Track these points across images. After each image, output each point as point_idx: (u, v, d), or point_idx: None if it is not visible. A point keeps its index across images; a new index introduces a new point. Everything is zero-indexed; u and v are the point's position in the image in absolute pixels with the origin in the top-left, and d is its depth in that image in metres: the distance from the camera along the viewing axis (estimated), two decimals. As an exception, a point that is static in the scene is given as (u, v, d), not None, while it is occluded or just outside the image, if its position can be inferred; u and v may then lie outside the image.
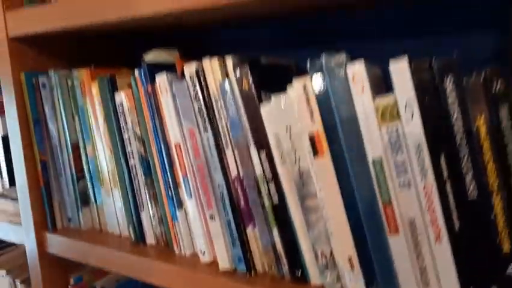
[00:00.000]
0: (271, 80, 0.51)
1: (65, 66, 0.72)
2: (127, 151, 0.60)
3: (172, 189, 0.56)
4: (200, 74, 0.50)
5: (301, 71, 0.62)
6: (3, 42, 0.63)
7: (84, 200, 0.68)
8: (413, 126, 0.38)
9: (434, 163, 0.38)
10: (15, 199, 0.77)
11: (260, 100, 0.47)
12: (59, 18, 0.56)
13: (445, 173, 0.38)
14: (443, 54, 0.41)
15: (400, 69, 0.37)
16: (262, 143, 0.48)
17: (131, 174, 0.61)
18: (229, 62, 0.48)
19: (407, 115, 0.38)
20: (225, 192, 0.52)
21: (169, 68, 0.57)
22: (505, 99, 0.35)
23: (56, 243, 0.68)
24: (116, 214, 0.65)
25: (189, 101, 0.52)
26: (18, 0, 0.63)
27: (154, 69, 0.56)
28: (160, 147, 0.56)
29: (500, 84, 0.35)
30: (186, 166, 0.54)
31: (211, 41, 0.81)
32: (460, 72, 0.36)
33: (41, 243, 0.70)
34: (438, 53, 0.58)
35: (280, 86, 0.49)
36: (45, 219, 0.70)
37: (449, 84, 0.36)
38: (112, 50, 0.79)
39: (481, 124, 0.36)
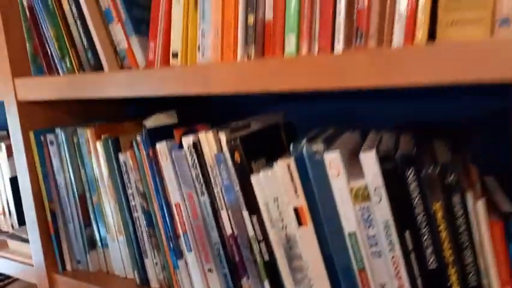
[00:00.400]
0: (261, 145, 0.57)
1: (72, 121, 0.77)
2: (130, 204, 0.66)
3: (173, 240, 0.63)
4: (197, 146, 0.56)
5: (289, 126, 0.68)
6: (12, 104, 0.69)
7: (91, 244, 0.74)
8: (381, 207, 0.44)
9: (400, 238, 0.44)
10: (25, 240, 0.83)
11: (251, 171, 0.53)
12: (66, 89, 0.62)
13: (410, 246, 0.44)
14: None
15: (369, 159, 0.43)
16: (253, 208, 0.54)
17: (135, 224, 0.67)
18: (223, 136, 0.54)
19: (376, 198, 0.44)
20: (221, 248, 0.58)
21: (168, 129, 0.63)
22: (457, 189, 0.41)
23: (66, 285, 0.74)
24: (122, 259, 0.71)
25: (187, 168, 0.57)
26: (26, 68, 0.68)
27: (154, 134, 0.61)
28: (162, 203, 0.62)
29: (453, 176, 0.41)
30: (186, 224, 0.60)
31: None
32: (421, 164, 0.42)
33: (52, 284, 0.76)
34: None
35: (270, 147, 0.55)
36: (56, 262, 0.76)
37: (410, 175, 0.42)
38: (115, 104, 0.85)
39: (438, 209, 0.42)
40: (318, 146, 0.46)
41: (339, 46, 0.48)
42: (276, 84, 0.45)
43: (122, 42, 0.61)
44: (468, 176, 0.46)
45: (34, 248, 0.76)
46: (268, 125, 0.64)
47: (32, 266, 0.78)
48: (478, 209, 0.41)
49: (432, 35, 0.45)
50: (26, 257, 0.81)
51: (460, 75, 0.38)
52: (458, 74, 0.38)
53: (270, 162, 0.58)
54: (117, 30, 0.61)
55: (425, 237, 0.43)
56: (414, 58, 0.40)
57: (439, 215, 0.42)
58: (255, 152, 0.56)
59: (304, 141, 0.48)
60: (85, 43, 0.63)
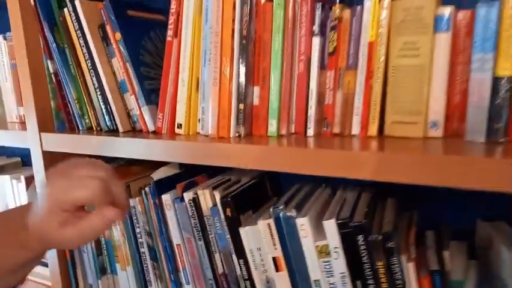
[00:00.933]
0: (249, 199, 0.70)
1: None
2: (138, 241, 0.79)
3: (173, 274, 0.75)
4: (196, 200, 0.69)
5: (273, 175, 0.81)
6: (38, 153, 0.81)
7: (102, 271, 0.86)
8: (339, 262, 0.57)
9: (353, 285, 0.57)
10: (45, 264, 0.95)
11: (239, 223, 0.66)
12: (85, 146, 0.74)
13: (360, 292, 0.57)
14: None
15: (330, 225, 0.56)
16: (241, 253, 0.66)
17: (141, 257, 0.79)
18: (217, 194, 0.67)
19: (335, 254, 0.57)
20: (214, 283, 0.70)
21: (172, 180, 0.75)
22: (395, 252, 0.54)
23: (80, 305, 0.86)
24: (129, 285, 0.83)
25: (187, 217, 0.70)
26: (50, 122, 0.80)
27: (160, 186, 0.74)
28: (165, 243, 0.74)
29: (391, 243, 0.54)
30: (185, 261, 0.72)
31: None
32: (369, 231, 0.55)
33: (67, 303, 0.88)
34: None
35: (257, 198, 0.67)
36: (71, 284, 0.88)
37: (360, 239, 0.55)
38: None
39: (380, 266, 0.55)
40: (292, 212, 0.59)
41: (310, 131, 0.61)
42: (262, 164, 0.57)
43: (135, 109, 0.73)
44: (407, 237, 0.59)
45: (52, 272, 0.88)
46: (256, 176, 0.77)
47: (50, 287, 0.90)
48: (409, 269, 0.54)
49: (382, 129, 0.58)
50: (46, 279, 0.93)
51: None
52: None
53: (256, 211, 0.70)
54: (131, 100, 0.73)
55: (372, 286, 0.56)
56: (365, 160, 0.52)
57: (381, 271, 0.55)
58: (244, 206, 0.68)
59: (282, 206, 0.61)
60: (102, 107, 0.75)
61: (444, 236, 0.66)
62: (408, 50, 0.54)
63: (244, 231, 0.65)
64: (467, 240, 0.68)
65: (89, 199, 0.44)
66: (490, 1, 0.49)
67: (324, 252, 0.58)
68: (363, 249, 0.56)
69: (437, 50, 0.53)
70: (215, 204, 0.67)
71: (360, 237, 0.56)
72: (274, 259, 0.63)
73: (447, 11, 0.52)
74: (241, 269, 0.67)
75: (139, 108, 0.72)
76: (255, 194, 0.74)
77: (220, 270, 0.70)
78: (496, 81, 0.49)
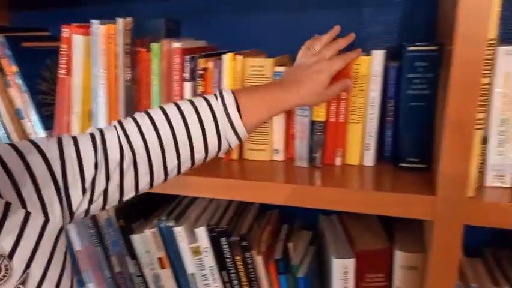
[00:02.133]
0: (140, 210, 0.83)
1: None
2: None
3: (76, 275, 0.86)
4: (92, 213, 0.80)
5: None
6: None
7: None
8: (208, 258, 0.74)
9: (220, 275, 0.74)
10: None
11: (131, 232, 0.79)
12: None
13: (226, 279, 0.74)
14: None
15: (201, 232, 0.72)
16: (133, 255, 0.80)
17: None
18: (111, 209, 0.79)
19: (205, 253, 0.73)
20: (112, 281, 0.83)
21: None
22: (248, 248, 0.72)
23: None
24: None
25: (87, 228, 0.81)
26: None
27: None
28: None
29: (246, 242, 0.72)
30: (86, 264, 0.84)
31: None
32: (229, 234, 0.72)
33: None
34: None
35: (148, 208, 0.81)
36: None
37: (223, 241, 0.72)
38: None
39: (238, 260, 0.73)
40: (171, 222, 0.74)
41: (187, 155, 0.75)
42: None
43: (33, 134, 0.81)
44: (261, 234, 0.78)
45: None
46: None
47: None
48: (258, 260, 0.72)
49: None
50: None
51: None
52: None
53: (148, 219, 0.84)
54: (28, 126, 0.81)
55: (233, 275, 0.74)
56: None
57: (239, 263, 0.73)
58: (136, 215, 0.81)
59: (164, 217, 0.75)
60: (1, 131, 0.82)
61: (296, 228, 0.86)
62: (256, 96, 0.70)
63: (134, 238, 0.78)
64: (313, 230, 0.88)
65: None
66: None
67: (197, 251, 0.74)
68: (226, 248, 0.73)
69: (276, 97, 0.70)
70: (109, 218, 0.80)
71: (223, 239, 0.72)
72: (159, 259, 0.77)
73: (282, 69, 0.69)
74: (134, 268, 0.80)
75: (36, 134, 0.81)
76: (146, 203, 0.87)
77: (116, 269, 0.82)
78: (313, 123, 0.68)
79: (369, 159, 0.68)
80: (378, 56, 0.65)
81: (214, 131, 0.54)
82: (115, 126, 0.54)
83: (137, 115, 0.54)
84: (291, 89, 0.58)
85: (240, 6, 0.88)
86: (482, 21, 0.48)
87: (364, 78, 0.66)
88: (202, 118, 0.54)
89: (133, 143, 0.52)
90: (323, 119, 0.67)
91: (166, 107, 0.55)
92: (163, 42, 0.71)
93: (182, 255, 0.75)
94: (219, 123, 0.54)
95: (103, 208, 0.53)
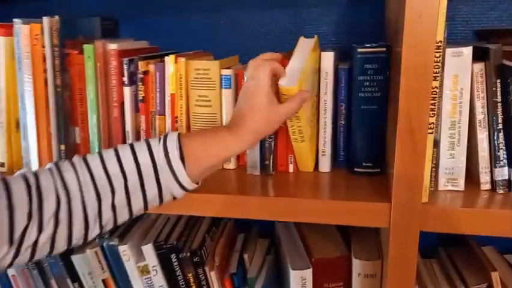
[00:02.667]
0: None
1: None
2: None
3: (12, 302, 0.78)
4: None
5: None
6: None
7: None
8: (158, 277, 0.68)
9: (171, 294, 0.69)
10: None
11: (71, 252, 0.72)
12: None
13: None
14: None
15: (148, 249, 0.67)
16: (74, 277, 0.73)
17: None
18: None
19: (154, 272, 0.68)
20: None
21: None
22: (200, 264, 0.67)
23: None
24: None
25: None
26: None
27: None
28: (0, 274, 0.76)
29: (197, 258, 0.67)
30: (21, 290, 0.76)
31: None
32: (180, 250, 0.67)
33: None
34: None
35: None
36: None
37: (173, 257, 0.67)
38: None
39: (190, 276, 0.68)
40: (114, 241, 0.68)
41: (130, 166, 0.69)
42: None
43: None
44: (215, 247, 0.73)
45: None
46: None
47: None
48: (212, 276, 0.68)
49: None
50: None
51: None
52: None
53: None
54: None
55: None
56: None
57: (192, 280, 0.68)
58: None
59: (106, 235, 0.69)
60: None
61: (252, 236, 0.83)
62: (202, 101, 0.66)
63: (75, 259, 0.71)
64: (270, 238, 0.85)
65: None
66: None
67: (145, 270, 0.69)
68: (176, 265, 0.68)
69: (224, 102, 0.66)
70: (46, 236, 0.72)
71: (173, 256, 0.67)
72: (104, 281, 0.71)
73: (230, 72, 0.65)
74: (77, 291, 0.74)
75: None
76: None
77: None
78: (264, 129, 0.64)
79: (325, 165, 0.65)
80: (328, 58, 0.62)
81: (155, 183, 0.50)
82: (50, 170, 0.48)
83: (75, 161, 0.49)
84: (238, 132, 0.52)
85: (184, 4, 0.82)
86: (430, 23, 0.46)
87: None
88: (142, 169, 0.49)
89: (70, 193, 0.47)
90: (274, 124, 0.64)
91: (105, 155, 0.50)
92: (97, 44, 0.65)
93: (129, 276, 0.69)
94: (160, 175, 0.49)
95: (29, 261, 0.47)
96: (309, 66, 0.58)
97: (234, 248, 0.79)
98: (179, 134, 0.51)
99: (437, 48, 0.48)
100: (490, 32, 0.68)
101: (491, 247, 0.75)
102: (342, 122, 0.65)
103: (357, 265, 0.64)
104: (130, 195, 0.49)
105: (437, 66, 0.49)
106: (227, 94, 0.65)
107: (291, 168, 0.66)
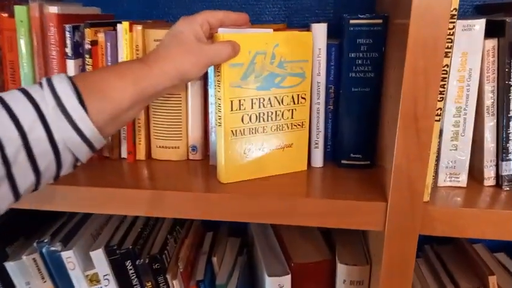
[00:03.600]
0: (18, 227, 0.64)
1: None
2: None
3: None
4: None
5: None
6: None
7: None
8: (111, 286, 0.58)
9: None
10: None
11: (7, 256, 0.60)
12: None
13: (134, 311, 0.60)
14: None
15: (97, 255, 0.56)
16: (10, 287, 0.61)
17: None
18: None
19: (105, 281, 0.58)
20: None
21: None
22: (161, 272, 0.58)
23: None
24: None
25: None
26: None
27: None
28: None
29: (157, 265, 0.57)
30: None
31: None
32: (137, 256, 0.57)
33: None
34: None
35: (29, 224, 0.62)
36: None
37: (129, 264, 0.57)
38: None
39: (149, 286, 0.58)
40: (57, 246, 0.56)
41: (76, 156, 0.58)
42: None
43: None
44: (179, 251, 0.63)
45: None
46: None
47: None
48: (175, 285, 0.58)
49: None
50: None
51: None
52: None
53: (30, 238, 0.65)
54: None
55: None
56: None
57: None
58: (12, 235, 0.62)
59: (47, 239, 0.57)
60: None
61: (222, 235, 0.74)
62: (164, 80, 0.55)
63: (9, 266, 0.59)
64: (242, 236, 0.76)
65: None
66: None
67: (94, 280, 0.58)
68: (132, 273, 0.58)
69: (191, 88, 0.55)
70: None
71: (128, 263, 0.57)
72: (45, 292, 0.60)
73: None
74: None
75: None
76: (27, 218, 0.68)
77: None
78: (238, 114, 0.54)
79: (318, 159, 0.56)
80: (320, 31, 0.52)
81: (45, 137, 0.35)
82: None
83: None
84: (157, 63, 0.43)
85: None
86: (446, -14, 0.38)
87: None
88: (21, 121, 0.34)
89: None
90: (245, 108, 0.54)
91: None
92: (32, 5, 0.52)
93: (75, 286, 0.58)
94: (50, 124, 0.35)
95: None
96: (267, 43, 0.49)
97: (201, 249, 0.69)
98: (67, 75, 0.38)
99: (451, 18, 0.39)
100: (492, 7, 0.61)
101: (482, 245, 0.70)
102: (331, 107, 0.56)
103: (342, 271, 0.56)
104: (10, 166, 0.34)
105: (449, 40, 0.41)
106: (195, 81, 0.55)
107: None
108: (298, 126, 0.53)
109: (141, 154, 0.58)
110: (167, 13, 0.71)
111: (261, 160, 0.52)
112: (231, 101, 0.49)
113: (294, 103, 0.52)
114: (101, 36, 0.54)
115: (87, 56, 0.54)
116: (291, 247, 0.62)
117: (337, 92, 0.55)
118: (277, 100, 0.51)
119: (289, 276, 0.57)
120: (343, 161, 0.55)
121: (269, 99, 0.51)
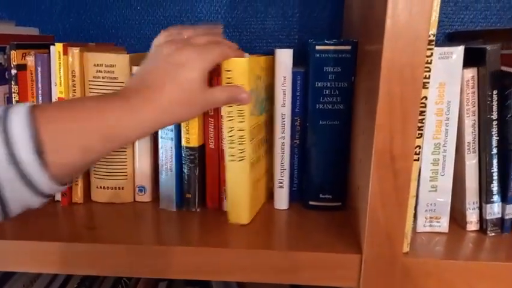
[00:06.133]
0: None
1: None
2: None
3: None
4: None
5: None
6: None
7: None
8: None
9: None
10: None
11: None
12: None
13: None
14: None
15: None
16: None
17: None
18: None
19: None
20: None
21: None
22: None
23: None
24: None
25: None
26: None
27: None
28: None
29: None
30: None
31: None
32: None
33: None
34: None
35: None
36: None
37: None
38: None
39: None
40: None
41: None
42: None
43: None
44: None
45: None
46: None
47: None
48: None
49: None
50: None
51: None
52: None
53: None
54: None
55: None
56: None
57: None
58: None
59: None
60: None
61: (179, 284, 0.65)
62: (105, 110, 0.48)
63: None
64: (199, 286, 0.68)
65: None
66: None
67: None
68: None
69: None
70: None
71: None
72: None
73: (144, 70, 0.47)
74: None
75: None
76: None
77: None
78: (184, 149, 0.47)
79: (283, 201, 0.49)
80: (284, 57, 0.47)
81: None
82: None
83: None
84: (141, 102, 0.34)
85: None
86: (422, 7, 0.33)
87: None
88: None
89: None
90: (196, 144, 0.47)
91: None
92: None
93: None
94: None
95: None
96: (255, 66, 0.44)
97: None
98: (30, 106, 0.30)
99: (429, 44, 0.35)
100: (463, 34, 0.58)
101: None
102: (297, 142, 0.50)
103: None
104: None
105: (427, 69, 0.36)
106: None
107: (225, 206, 0.49)
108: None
109: (78, 197, 0.50)
110: (114, 35, 0.64)
111: (258, 191, 0.48)
112: (250, 131, 0.44)
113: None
114: (30, 60, 0.46)
115: (13, 82, 0.46)
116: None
117: (303, 125, 0.49)
118: (266, 125, 0.49)
119: None
120: (311, 202, 0.49)
121: (264, 123, 0.48)
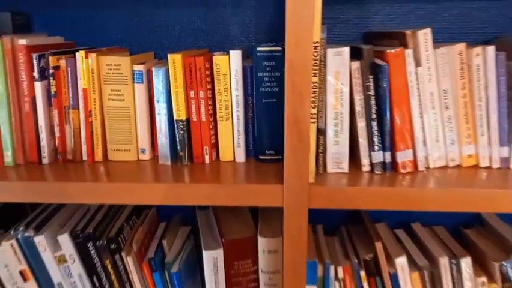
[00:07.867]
0: (1, 218, 0.76)
1: None
2: None
3: None
4: None
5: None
6: None
7: None
8: (76, 265, 0.71)
9: (91, 281, 0.72)
10: None
11: (-15, 246, 0.72)
12: None
13: (97, 285, 0.72)
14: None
15: (64, 239, 0.69)
16: (-9, 272, 0.73)
17: None
18: None
19: (71, 260, 0.70)
20: None
21: None
22: (117, 251, 0.71)
23: None
24: None
25: None
26: None
27: None
28: None
29: (114, 245, 0.70)
30: None
31: None
32: (96, 238, 0.70)
33: None
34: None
35: (12, 217, 0.74)
36: None
37: (90, 245, 0.70)
38: None
39: (108, 263, 0.71)
40: (30, 232, 0.69)
41: (46, 159, 0.71)
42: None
43: None
44: (134, 235, 0.77)
45: None
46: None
47: None
48: (129, 261, 0.72)
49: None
50: None
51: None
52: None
53: (9, 229, 0.77)
54: None
55: (104, 279, 0.72)
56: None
57: (109, 266, 0.71)
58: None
59: (22, 227, 0.70)
60: None
61: (174, 224, 0.87)
62: (115, 95, 0.69)
63: (-9, 253, 0.72)
64: (191, 225, 0.90)
65: None
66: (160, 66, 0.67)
67: (62, 260, 0.71)
68: (94, 253, 0.71)
69: (137, 96, 0.69)
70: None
71: (90, 244, 0.70)
72: (21, 272, 0.72)
73: (142, 67, 0.68)
74: (-7, 285, 0.74)
75: None
76: (9, 213, 0.80)
77: None
78: (175, 122, 0.69)
79: (241, 156, 0.71)
80: (235, 56, 0.68)
81: None
82: None
83: None
84: None
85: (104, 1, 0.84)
86: (307, 26, 0.54)
87: (226, 77, 0.68)
88: None
89: None
90: (183, 118, 0.68)
91: None
92: (4, 39, 0.65)
93: (47, 266, 0.71)
94: None
95: None
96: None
97: (155, 235, 0.83)
98: None
99: (315, 48, 0.55)
100: (372, 34, 0.78)
101: (383, 223, 0.86)
102: (251, 115, 0.71)
103: (262, 242, 0.71)
104: None
105: (316, 64, 0.57)
106: (139, 88, 0.69)
107: (207, 160, 0.71)
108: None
109: (99, 156, 0.72)
110: (121, 40, 0.85)
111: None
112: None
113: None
114: (62, 63, 0.68)
115: (51, 78, 0.68)
116: (224, 227, 0.76)
117: (253, 103, 0.70)
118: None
119: (221, 250, 0.71)
120: (260, 157, 0.70)
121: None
